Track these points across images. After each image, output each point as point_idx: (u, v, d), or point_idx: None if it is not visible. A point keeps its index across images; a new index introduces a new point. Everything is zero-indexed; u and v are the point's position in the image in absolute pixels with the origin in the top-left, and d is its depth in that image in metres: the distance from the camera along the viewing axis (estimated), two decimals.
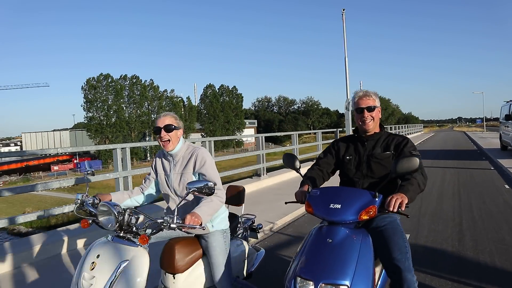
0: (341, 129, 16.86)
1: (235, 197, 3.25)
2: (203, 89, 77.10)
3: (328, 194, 2.39)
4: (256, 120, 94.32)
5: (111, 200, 2.66)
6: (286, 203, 2.80)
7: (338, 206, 2.26)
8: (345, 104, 14.96)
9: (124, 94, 63.29)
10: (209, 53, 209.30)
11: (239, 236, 3.16)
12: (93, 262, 2.11)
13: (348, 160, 2.74)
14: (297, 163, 2.70)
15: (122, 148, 6.30)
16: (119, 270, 2.04)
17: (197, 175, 2.67)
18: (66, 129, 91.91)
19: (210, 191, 2.21)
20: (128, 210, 2.19)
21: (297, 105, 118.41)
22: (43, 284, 3.89)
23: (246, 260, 3.02)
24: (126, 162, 6.27)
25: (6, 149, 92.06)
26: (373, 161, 2.63)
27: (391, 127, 31.73)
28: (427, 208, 6.74)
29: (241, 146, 74.67)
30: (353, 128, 2.93)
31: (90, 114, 61.20)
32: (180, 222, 2.18)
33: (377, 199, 2.25)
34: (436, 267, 4.02)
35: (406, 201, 2.22)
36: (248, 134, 63.50)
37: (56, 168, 57.89)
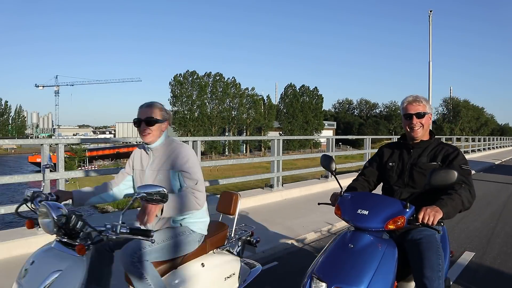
0: None
1: (228, 204, 2.93)
2: (284, 88, 77.62)
3: (358, 199, 2.34)
4: (335, 122, 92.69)
5: (71, 198, 2.41)
6: (319, 204, 2.77)
7: (366, 212, 2.19)
8: None
9: (207, 91, 66.03)
10: (291, 52, 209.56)
11: (230, 249, 2.83)
12: (26, 269, 1.88)
13: (390, 166, 2.64)
14: (333, 165, 2.63)
15: (193, 141, 6.67)
16: (47, 281, 1.77)
17: (177, 174, 2.38)
18: None
19: (162, 198, 1.87)
20: (75, 214, 1.87)
21: (379, 109, 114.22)
22: None
23: (233, 277, 2.68)
24: (197, 154, 6.62)
25: (101, 136, 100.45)
26: (416, 171, 2.50)
27: (479, 138, 29.24)
28: (502, 229, 6.19)
29: (318, 147, 73.87)
30: (401, 134, 2.82)
31: (175, 108, 64.83)
32: (127, 231, 1.80)
33: (408, 209, 2.15)
34: None
35: (439, 216, 2.09)
36: (323, 136, 62.66)
37: None
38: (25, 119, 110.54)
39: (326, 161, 2.66)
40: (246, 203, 7.17)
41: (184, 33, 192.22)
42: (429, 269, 2.14)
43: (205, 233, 2.54)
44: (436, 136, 2.66)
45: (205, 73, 66.86)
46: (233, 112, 68.67)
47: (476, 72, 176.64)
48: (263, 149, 65.68)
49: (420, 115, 2.52)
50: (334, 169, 2.64)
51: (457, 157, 2.45)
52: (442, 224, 2.18)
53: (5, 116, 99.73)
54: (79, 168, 44.20)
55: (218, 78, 67.18)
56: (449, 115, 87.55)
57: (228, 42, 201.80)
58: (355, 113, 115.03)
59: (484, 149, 27.20)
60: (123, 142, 62.94)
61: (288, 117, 73.72)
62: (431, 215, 2.07)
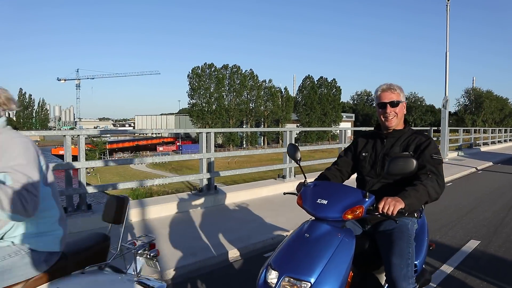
0: (435, 128, 15.92)
1: (112, 211, 2.29)
2: (302, 80, 77.40)
3: (320, 189, 2.26)
4: (353, 114, 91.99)
5: None
6: (284, 193, 2.74)
7: (325, 202, 2.12)
8: (443, 101, 14.03)
9: (225, 83, 66.37)
10: (310, 44, 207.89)
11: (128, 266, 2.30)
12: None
13: (363, 157, 2.59)
14: (298, 154, 2.54)
15: (207, 133, 6.88)
16: None
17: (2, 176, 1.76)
18: (172, 114, 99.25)
19: None
20: None
21: None
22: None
23: None
24: (210, 145, 6.83)
25: (121, 129, 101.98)
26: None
27: (499, 130, 28.66)
28: None
29: (336, 139, 73.49)
30: (375, 124, 2.75)
31: (193, 100, 65.48)
32: None
33: (367, 199, 2.08)
34: (499, 277, 3.81)
35: (400, 206, 2.02)
36: (342, 127, 62.32)
37: (161, 148, 63.12)
38: (48, 112, 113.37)
39: (292, 150, 2.57)
40: (258, 193, 7.39)
41: (203, 26, 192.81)
42: (398, 257, 2.12)
43: (58, 249, 1.98)
44: (412, 127, 2.64)
45: (223, 66, 67.20)
46: (250, 105, 68.90)
47: (499, 63, 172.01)
48: (280, 141, 65.75)
49: (394, 104, 2.47)
50: (299, 158, 2.55)
51: (428, 146, 2.40)
52: (405, 214, 2.07)
53: (29, 110, 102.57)
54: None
55: (235, 70, 67.37)
56: (471, 106, 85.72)
57: (246, 34, 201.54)
58: (374, 104, 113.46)
59: (505, 140, 26.68)
60: (141, 134, 64.14)
61: (306, 109, 73.52)
62: (391, 205, 2.02)
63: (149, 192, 28.12)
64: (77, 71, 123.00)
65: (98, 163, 6.30)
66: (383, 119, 2.52)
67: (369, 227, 2.46)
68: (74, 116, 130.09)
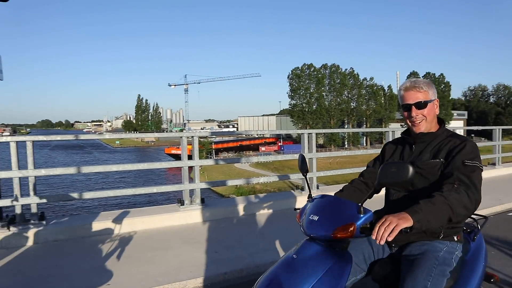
0: None
1: None
2: (406, 77, 73.31)
3: (318, 203, 1.93)
4: (466, 112, 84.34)
5: None
6: (295, 209, 2.34)
7: (316, 218, 1.82)
8: None
9: (325, 83, 65.85)
10: (413, 41, 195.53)
11: None
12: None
13: None
14: (305, 166, 2.29)
15: (308, 134, 7.08)
16: None
17: None
18: (273, 115, 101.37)
19: None
20: None
21: None
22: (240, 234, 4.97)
23: None
24: (312, 146, 7.02)
25: (225, 130, 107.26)
26: (415, 168, 1.91)
27: None
28: None
29: None
30: (405, 128, 2.32)
31: (293, 101, 66.13)
32: None
33: (362, 215, 1.73)
34: None
35: (404, 226, 1.57)
36: (452, 126, 57.84)
37: (263, 149, 64.90)
38: (161, 115, 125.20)
39: (299, 161, 2.32)
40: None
41: (301, 27, 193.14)
42: (420, 276, 1.77)
43: None
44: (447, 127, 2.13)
45: (322, 65, 66.73)
46: (351, 104, 67.35)
47: None
48: (384, 141, 63.11)
49: (421, 105, 2.05)
50: (305, 170, 2.29)
51: (462, 150, 1.94)
52: (409, 231, 1.60)
53: (146, 113, 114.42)
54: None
55: (334, 69, 66.48)
56: None
57: (344, 34, 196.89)
58: (491, 100, 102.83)
59: None
60: (247, 135, 67.07)
61: None
62: (388, 228, 1.56)
63: (252, 190, 29.20)
64: (185, 77, 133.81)
65: (210, 162, 6.90)
66: (409, 123, 2.14)
67: (396, 249, 2.07)
68: (183, 118, 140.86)
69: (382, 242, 1.55)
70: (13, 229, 4.55)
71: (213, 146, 63.01)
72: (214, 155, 58.89)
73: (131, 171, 38.42)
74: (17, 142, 4.71)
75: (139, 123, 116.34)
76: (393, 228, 1.55)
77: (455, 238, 1.99)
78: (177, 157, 51.22)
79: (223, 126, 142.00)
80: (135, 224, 5.11)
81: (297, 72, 65.80)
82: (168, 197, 24.79)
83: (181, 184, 5.63)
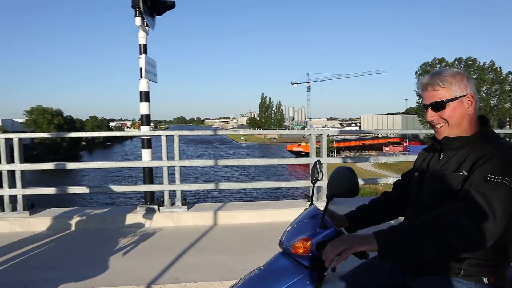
0: None
1: None
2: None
3: (302, 213, 1.77)
4: None
5: None
6: None
7: (289, 228, 1.68)
8: None
9: None
10: None
11: None
12: None
13: (414, 177, 1.79)
14: (321, 175, 1.83)
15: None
16: None
17: None
18: (399, 113, 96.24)
19: None
20: None
21: None
22: None
23: None
24: None
25: (348, 129, 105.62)
26: (435, 183, 1.61)
27: None
28: None
29: None
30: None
31: (422, 99, 61.99)
32: None
33: (326, 230, 1.52)
34: None
35: (354, 250, 1.34)
36: None
37: (387, 149, 62.14)
38: (283, 112, 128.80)
39: (313, 167, 1.89)
40: None
41: (429, 26, 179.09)
42: None
43: None
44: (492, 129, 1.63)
45: (455, 59, 61.16)
46: (491, 101, 60.35)
47: None
48: None
49: (439, 106, 1.59)
50: (315, 178, 1.86)
51: (489, 161, 1.42)
52: (365, 257, 1.40)
53: (269, 111, 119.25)
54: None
55: (470, 63, 60.25)
56: None
57: (485, 23, 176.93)
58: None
59: None
60: (375, 134, 65.02)
61: None
62: (341, 246, 1.34)
63: (374, 192, 28.23)
64: (308, 75, 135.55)
65: (337, 160, 6.91)
66: (430, 126, 1.72)
67: (412, 281, 1.64)
68: (305, 116, 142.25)
69: (327, 265, 1.36)
70: (162, 211, 5.22)
71: (335, 145, 62.43)
72: (335, 154, 58.36)
73: (256, 166, 40.15)
74: (166, 136, 5.36)
75: (263, 120, 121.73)
76: (344, 250, 1.33)
77: (485, 280, 1.46)
78: (299, 154, 52.41)
79: (345, 124, 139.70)
80: (264, 217, 5.41)
81: (426, 67, 61.32)
82: (291, 193, 25.44)
83: (308, 181, 5.77)
